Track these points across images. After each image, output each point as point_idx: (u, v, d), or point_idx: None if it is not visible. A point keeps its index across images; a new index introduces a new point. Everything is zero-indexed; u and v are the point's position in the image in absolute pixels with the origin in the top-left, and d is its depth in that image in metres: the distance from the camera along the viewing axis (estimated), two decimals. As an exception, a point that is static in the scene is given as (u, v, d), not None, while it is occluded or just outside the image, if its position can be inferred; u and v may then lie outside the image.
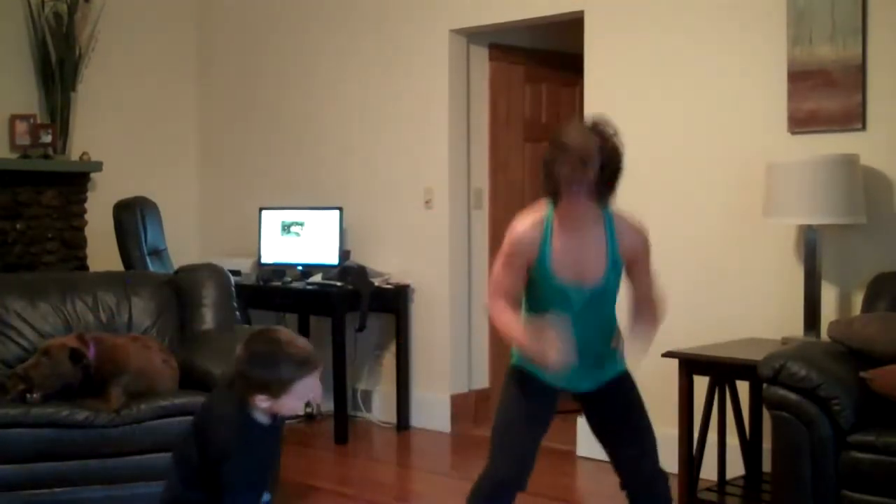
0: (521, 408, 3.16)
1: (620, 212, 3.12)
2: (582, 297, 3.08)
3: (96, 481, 3.80)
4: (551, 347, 2.90)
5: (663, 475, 3.24)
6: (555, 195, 2.99)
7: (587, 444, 5.09)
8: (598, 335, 3.15)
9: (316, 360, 2.82)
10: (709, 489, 4.28)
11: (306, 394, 2.77)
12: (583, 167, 2.91)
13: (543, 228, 3.05)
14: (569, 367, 2.95)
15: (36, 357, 3.92)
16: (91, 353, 3.96)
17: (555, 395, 3.19)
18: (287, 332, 2.82)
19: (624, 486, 3.23)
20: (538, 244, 3.04)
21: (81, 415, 3.78)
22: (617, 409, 3.22)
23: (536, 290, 3.10)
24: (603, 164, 2.95)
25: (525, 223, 3.08)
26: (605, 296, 3.12)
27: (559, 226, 3.05)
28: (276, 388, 2.67)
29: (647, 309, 3.21)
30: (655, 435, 3.25)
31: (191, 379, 4.12)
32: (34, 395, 3.82)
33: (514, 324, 3.05)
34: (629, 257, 3.12)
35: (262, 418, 2.72)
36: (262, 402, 2.67)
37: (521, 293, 3.13)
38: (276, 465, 2.67)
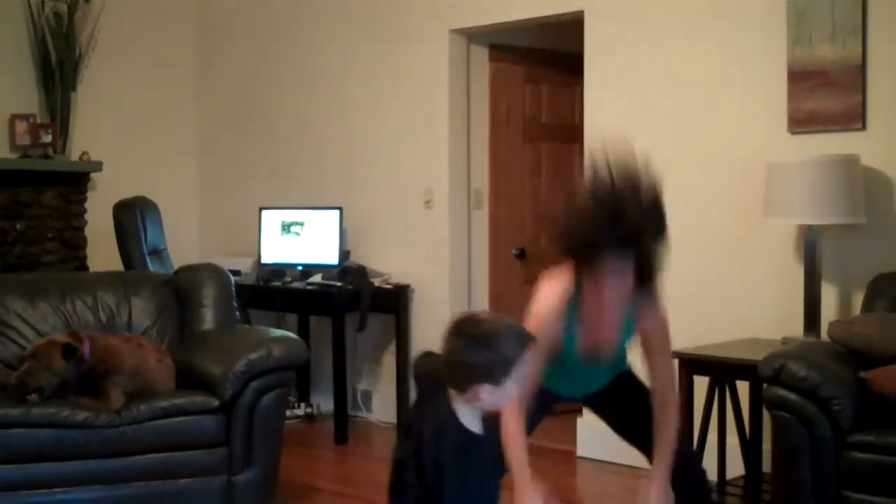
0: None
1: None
2: (599, 375, 3.08)
3: (96, 482, 3.80)
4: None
5: (695, 452, 3.21)
6: (581, 267, 2.73)
7: (587, 444, 5.10)
8: (609, 371, 3.14)
9: (528, 333, 2.45)
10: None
11: (523, 373, 2.38)
12: (636, 244, 2.63)
13: (569, 305, 2.84)
14: None
15: (27, 363, 3.91)
16: (86, 348, 3.96)
17: (555, 399, 3.16)
18: (485, 311, 2.59)
19: None
20: (563, 324, 2.86)
21: (81, 415, 3.78)
22: (629, 401, 3.18)
23: (555, 369, 2.94)
24: (654, 237, 2.65)
25: (553, 293, 2.83)
26: (618, 362, 3.10)
27: (586, 299, 2.83)
28: (500, 372, 2.32)
29: (666, 417, 3.03)
30: None
31: (191, 379, 4.12)
32: (32, 395, 3.82)
33: (523, 461, 2.85)
34: (643, 333, 2.99)
35: (475, 426, 2.39)
36: (484, 395, 2.34)
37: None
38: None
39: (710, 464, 4.28)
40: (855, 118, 4.28)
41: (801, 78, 4.41)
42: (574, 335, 2.92)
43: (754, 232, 4.53)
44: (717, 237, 4.70)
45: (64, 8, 6.21)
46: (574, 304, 2.86)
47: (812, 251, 4.17)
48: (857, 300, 4.17)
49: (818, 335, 4.09)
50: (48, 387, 3.87)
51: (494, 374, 2.32)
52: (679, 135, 4.83)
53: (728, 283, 4.66)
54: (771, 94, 4.50)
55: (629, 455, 4.90)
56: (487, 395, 2.34)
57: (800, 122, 4.43)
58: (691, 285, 4.76)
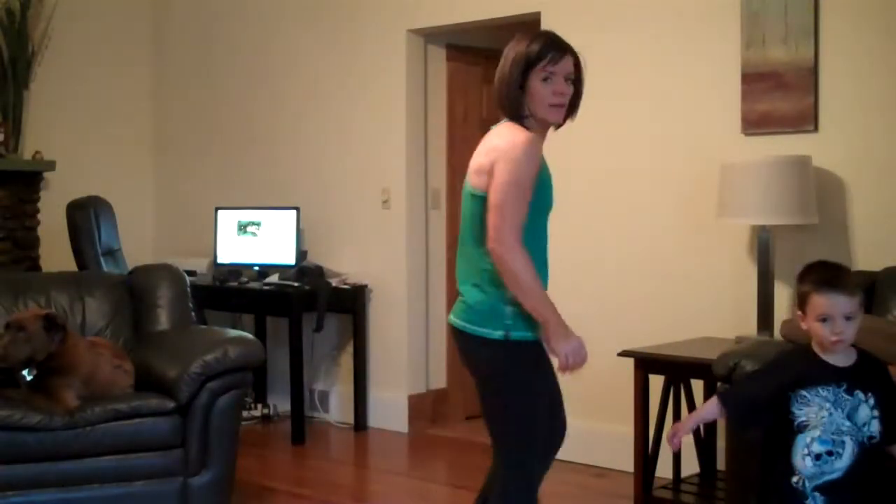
0: (549, 383, 2.96)
1: None
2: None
3: (50, 485, 3.75)
4: (579, 343, 2.80)
5: None
6: (523, 117, 2.89)
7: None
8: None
9: None
10: (664, 487, 4.32)
11: None
12: (569, 83, 2.90)
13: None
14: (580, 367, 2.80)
15: (8, 333, 3.85)
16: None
17: None
18: None
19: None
20: (545, 168, 2.90)
21: (35, 418, 3.73)
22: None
23: (544, 199, 2.91)
24: (579, 82, 2.94)
25: (535, 143, 2.86)
26: None
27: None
28: None
29: None
30: None
31: (146, 381, 4.08)
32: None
33: (548, 299, 2.80)
34: None
35: None
36: None
37: None
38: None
39: (665, 462, 4.33)
40: (807, 120, 4.34)
41: (754, 80, 4.46)
42: (549, 175, 2.91)
43: (708, 232, 4.58)
44: (671, 237, 4.74)
45: (16, 5, 6.12)
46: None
47: (765, 251, 4.22)
48: (810, 299, 4.21)
49: (771, 334, 4.14)
50: (18, 361, 3.84)
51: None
52: (633, 136, 4.87)
53: (682, 283, 4.70)
54: (725, 96, 4.55)
55: (587, 454, 4.96)
56: None
57: (753, 124, 4.48)
58: (646, 285, 4.80)
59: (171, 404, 3.91)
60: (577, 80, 2.94)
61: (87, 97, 6.63)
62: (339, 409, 6.04)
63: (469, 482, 3.43)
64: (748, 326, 4.32)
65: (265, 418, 6.10)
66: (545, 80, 2.88)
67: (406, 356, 5.81)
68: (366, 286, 5.89)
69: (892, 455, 2.76)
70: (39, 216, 6.27)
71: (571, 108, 2.95)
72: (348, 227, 6.00)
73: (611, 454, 4.84)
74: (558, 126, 2.98)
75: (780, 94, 4.39)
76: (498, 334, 2.83)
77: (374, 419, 5.89)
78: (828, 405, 2.66)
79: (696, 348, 4.21)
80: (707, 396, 4.32)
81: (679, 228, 4.72)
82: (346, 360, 5.99)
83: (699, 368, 3.94)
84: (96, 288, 4.60)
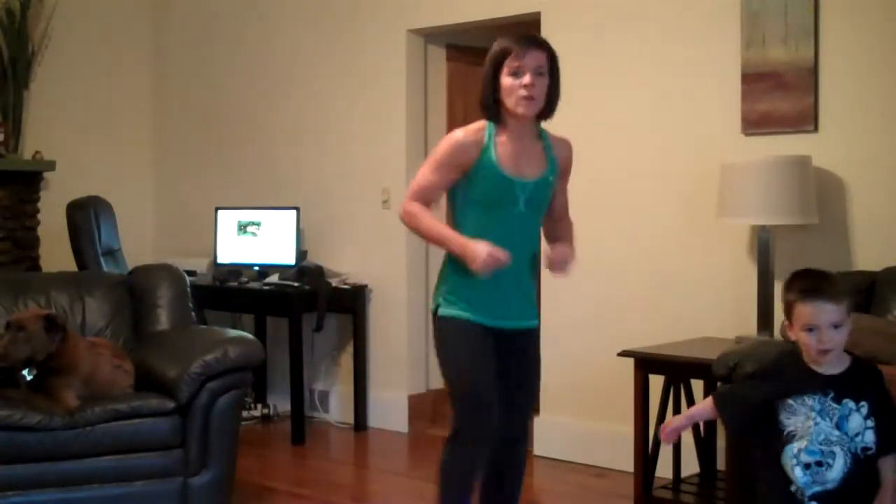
0: (472, 355, 3.16)
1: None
2: (526, 191, 3.16)
3: (50, 485, 3.75)
4: (482, 246, 3.00)
5: (525, 439, 3.34)
6: (496, 112, 3.13)
7: (543, 443, 5.13)
8: (527, 252, 3.23)
9: None
10: (664, 487, 4.32)
11: None
12: (540, 77, 3.08)
13: (486, 134, 3.16)
14: (501, 264, 3.00)
15: (9, 333, 3.85)
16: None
17: (491, 333, 3.19)
18: None
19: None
20: (480, 147, 3.13)
21: (35, 418, 3.73)
22: (512, 362, 3.25)
23: (479, 189, 3.14)
24: (555, 76, 3.15)
25: (465, 130, 3.19)
26: (544, 199, 3.23)
27: (500, 134, 3.17)
28: None
29: (565, 228, 3.38)
30: (532, 405, 3.38)
31: (146, 381, 4.08)
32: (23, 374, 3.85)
33: (445, 229, 3.15)
34: (562, 168, 3.30)
35: None
36: None
37: (438, 198, 3.24)
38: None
39: (665, 462, 4.33)
40: (807, 120, 4.34)
41: (754, 80, 4.46)
42: (492, 147, 3.13)
43: (708, 232, 4.58)
44: (671, 237, 4.74)
45: (16, 5, 6.12)
46: (490, 131, 3.16)
47: (765, 251, 4.22)
48: (810, 299, 4.21)
49: (771, 334, 4.14)
50: (18, 360, 3.84)
51: None
52: (633, 136, 4.87)
53: (682, 283, 4.70)
54: (725, 96, 4.55)
55: (587, 454, 4.96)
56: None
57: (753, 124, 4.48)
58: (646, 285, 4.80)
59: (171, 404, 3.91)
60: (551, 75, 3.14)
61: (87, 97, 6.63)
62: (339, 409, 6.04)
63: (469, 482, 3.45)
64: (748, 326, 4.32)
65: (265, 418, 6.10)
66: (514, 74, 3.09)
67: (406, 356, 5.81)
68: (366, 286, 5.89)
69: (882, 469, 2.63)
70: (39, 216, 6.27)
71: (550, 102, 3.16)
72: (348, 227, 6.00)
73: (611, 454, 4.84)
74: (540, 119, 3.19)
75: (780, 94, 4.39)
76: (433, 307, 3.25)
77: (374, 419, 5.89)
78: (814, 414, 2.60)
79: (696, 348, 4.21)
80: (707, 396, 4.32)
81: (679, 228, 4.72)
82: (346, 360, 5.99)
83: (699, 368, 3.94)
84: (96, 288, 4.60)
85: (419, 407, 5.85)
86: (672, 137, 4.75)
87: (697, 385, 4.31)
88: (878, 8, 4.22)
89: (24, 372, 3.87)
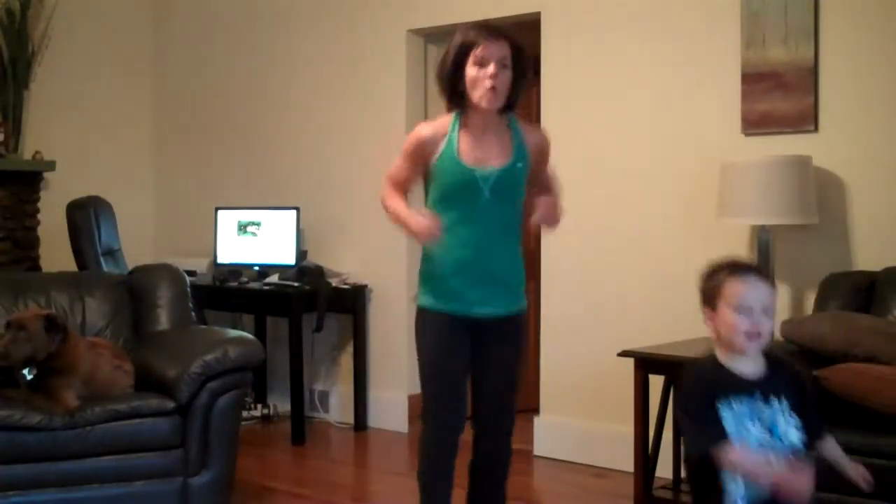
0: (438, 344, 3.25)
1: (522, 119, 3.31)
2: (489, 180, 3.16)
3: (50, 485, 3.75)
4: (420, 220, 3.09)
5: (509, 430, 3.38)
6: (461, 105, 3.16)
7: (544, 443, 5.13)
8: (500, 241, 3.23)
9: None
10: (664, 487, 4.32)
11: None
12: (504, 70, 3.09)
13: (449, 126, 3.20)
14: (435, 240, 3.10)
15: (9, 332, 3.85)
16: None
17: (463, 324, 3.24)
18: None
19: (473, 427, 3.38)
20: (443, 137, 3.18)
21: (35, 418, 3.73)
22: (492, 352, 3.27)
23: (442, 180, 3.19)
24: (519, 68, 3.14)
25: (429, 124, 3.28)
26: (512, 187, 3.21)
27: (465, 125, 3.19)
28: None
29: (548, 184, 3.36)
30: (514, 395, 3.39)
31: (146, 381, 4.08)
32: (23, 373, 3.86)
33: (401, 205, 3.23)
34: (534, 156, 3.26)
35: None
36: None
37: (411, 186, 3.31)
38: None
39: (665, 461, 4.33)
40: (807, 120, 4.34)
41: (754, 80, 4.46)
42: (454, 139, 3.17)
43: (708, 232, 4.58)
44: (671, 237, 4.74)
45: (16, 5, 6.12)
46: (454, 123, 3.20)
47: (765, 251, 4.22)
48: (810, 299, 4.22)
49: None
50: (19, 360, 3.84)
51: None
52: (634, 135, 4.87)
53: (682, 283, 4.68)
54: (725, 96, 4.55)
55: (587, 454, 4.96)
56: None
57: (753, 124, 4.48)
58: (646, 285, 4.80)
59: (171, 404, 3.91)
60: (516, 68, 3.13)
61: (87, 97, 6.63)
62: (339, 409, 6.04)
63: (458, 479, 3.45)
64: (748, 326, 4.31)
65: (265, 418, 6.10)
66: (479, 64, 3.10)
67: (406, 356, 5.81)
68: (366, 286, 5.89)
69: (822, 456, 2.49)
70: (39, 216, 6.27)
71: (513, 95, 3.16)
72: (348, 228, 6.00)
73: (611, 454, 4.84)
74: (504, 110, 3.19)
75: (780, 94, 4.40)
76: (414, 296, 3.35)
77: (374, 419, 5.89)
78: (744, 418, 2.37)
79: (696, 348, 4.20)
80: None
81: (679, 228, 4.72)
82: (346, 360, 5.99)
83: (699, 368, 3.93)
84: (96, 288, 4.60)
85: (419, 407, 5.82)
86: (672, 137, 4.75)
87: (697, 385, 4.30)
88: (878, 8, 4.22)
89: (25, 371, 3.87)
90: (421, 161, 3.24)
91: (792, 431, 2.40)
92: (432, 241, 3.11)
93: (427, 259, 3.30)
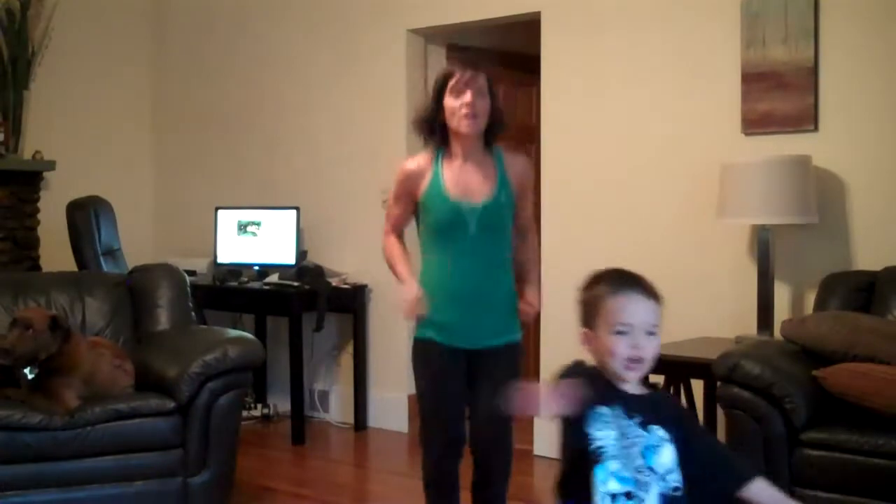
0: (431, 374, 3.34)
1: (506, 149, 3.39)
2: (475, 214, 3.23)
3: (50, 485, 3.75)
4: (407, 295, 3.23)
5: (508, 443, 3.41)
6: (443, 138, 3.27)
7: (544, 442, 5.12)
8: (490, 273, 3.29)
9: None
10: (664, 487, 4.31)
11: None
12: (482, 98, 3.20)
13: (433, 160, 3.31)
14: (415, 317, 3.24)
15: (14, 330, 3.86)
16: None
17: (456, 354, 3.30)
18: None
19: (471, 447, 3.39)
20: (428, 172, 3.29)
21: (35, 418, 3.73)
22: (488, 378, 3.28)
23: (430, 216, 3.29)
24: (494, 96, 3.25)
25: (414, 159, 3.38)
26: (499, 219, 3.29)
27: (448, 159, 3.30)
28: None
29: (526, 257, 3.46)
30: (509, 434, 3.42)
31: (146, 381, 4.08)
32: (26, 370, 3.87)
33: (401, 261, 3.38)
34: (518, 184, 3.34)
35: None
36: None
37: (406, 225, 3.44)
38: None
39: (665, 462, 4.32)
40: (807, 119, 4.34)
41: (754, 79, 4.46)
42: (439, 173, 3.27)
43: (708, 232, 4.58)
44: (671, 237, 4.74)
45: (16, 5, 6.12)
46: (438, 157, 3.30)
47: (765, 251, 4.21)
48: (810, 299, 4.22)
49: (771, 334, 4.14)
50: (24, 358, 3.85)
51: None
52: (634, 135, 4.87)
53: (682, 283, 4.70)
54: (725, 96, 4.55)
55: (586, 454, 4.94)
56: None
57: (753, 124, 4.48)
58: (647, 285, 4.80)
59: (171, 404, 3.91)
60: (492, 97, 3.25)
61: (87, 97, 6.62)
62: (339, 409, 6.04)
63: (469, 483, 3.46)
64: (748, 326, 4.32)
65: (265, 418, 6.10)
66: (455, 94, 3.21)
67: (406, 356, 5.77)
68: (366, 286, 5.89)
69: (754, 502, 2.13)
70: (39, 216, 6.27)
71: (494, 123, 3.26)
72: (348, 227, 6.00)
73: (611, 454, 4.83)
74: (488, 140, 3.28)
75: (780, 94, 4.39)
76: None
77: (374, 419, 5.89)
78: (623, 435, 2.07)
79: (697, 348, 4.21)
80: (707, 396, 4.32)
81: (679, 228, 4.72)
82: (346, 359, 5.99)
83: (699, 368, 3.94)
84: (96, 288, 4.60)
85: (419, 407, 5.83)
86: (672, 137, 4.74)
87: (697, 385, 4.30)
88: (878, 8, 4.22)
89: (26, 371, 3.87)
90: (410, 198, 3.35)
91: (677, 473, 2.07)
92: (412, 317, 3.26)
93: (424, 293, 3.32)
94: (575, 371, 2.21)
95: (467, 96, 3.19)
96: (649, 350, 2.12)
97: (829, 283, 4.08)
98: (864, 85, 4.24)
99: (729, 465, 2.20)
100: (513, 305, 3.37)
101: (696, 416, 2.17)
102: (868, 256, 4.19)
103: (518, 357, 3.41)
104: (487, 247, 3.28)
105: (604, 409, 2.07)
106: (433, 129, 3.29)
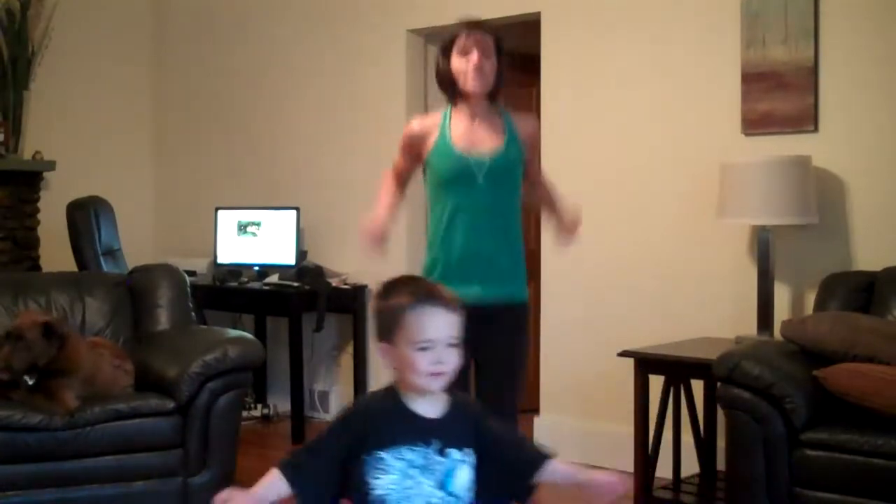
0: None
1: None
2: (483, 168, 3.23)
3: (50, 485, 3.75)
4: (370, 224, 3.30)
5: (514, 418, 3.37)
6: (451, 95, 3.31)
7: (544, 443, 5.11)
8: (497, 229, 3.27)
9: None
10: (664, 487, 4.32)
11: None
12: (489, 58, 3.24)
13: (441, 117, 3.34)
14: (378, 246, 3.30)
15: (8, 343, 3.83)
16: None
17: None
18: None
19: None
20: (436, 129, 3.32)
21: (35, 418, 3.73)
22: (493, 342, 3.25)
23: (436, 169, 3.31)
24: (500, 54, 3.29)
25: (419, 119, 3.46)
26: (507, 172, 3.29)
27: (457, 115, 3.33)
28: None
29: (547, 192, 3.47)
30: (518, 386, 3.39)
31: (146, 381, 4.08)
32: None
33: (384, 194, 3.44)
34: (527, 140, 3.37)
35: None
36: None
37: (408, 176, 3.48)
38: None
39: (665, 462, 4.33)
40: (807, 120, 4.34)
41: (754, 80, 4.46)
42: (447, 129, 3.30)
43: (708, 232, 4.58)
44: (671, 237, 4.74)
45: (16, 5, 6.12)
46: (446, 114, 3.34)
47: (765, 251, 4.21)
48: (810, 299, 4.22)
49: (771, 334, 4.14)
50: (22, 368, 3.83)
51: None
52: (634, 135, 4.87)
53: (682, 283, 4.70)
54: (725, 96, 4.55)
55: (587, 454, 4.95)
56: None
57: (753, 124, 4.48)
58: (646, 285, 4.80)
59: (171, 404, 3.91)
60: (498, 55, 3.29)
61: (87, 97, 6.62)
62: (338, 408, 6.02)
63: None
64: (748, 326, 4.32)
65: (265, 418, 6.10)
66: (462, 54, 3.25)
67: (406, 356, 5.80)
68: (366, 286, 5.89)
69: (552, 481, 2.22)
70: (39, 216, 6.27)
71: (498, 83, 3.29)
72: (348, 228, 5.98)
73: (611, 454, 4.83)
74: (493, 99, 3.31)
75: (780, 94, 4.39)
76: None
77: (374, 419, 5.88)
78: (415, 472, 2.05)
79: (696, 348, 4.21)
80: (707, 396, 4.32)
81: (679, 228, 4.72)
82: (346, 360, 5.98)
83: (699, 368, 3.94)
84: (96, 288, 4.60)
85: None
86: (672, 137, 4.75)
87: (697, 385, 4.31)
88: (878, 8, 4.22)
89: (26, 377, 3.86)
90: (414, 155, 3.39)
91: (466, 485, 2.10)
92: (369, 246, 3.31)
93: (428, 248, 3.37)
94: (363, 410, 2.19)
95: (474, 55, 3.23)
96: (452, 362, 2.08)
97: (828, 283, 4.08)
98: (864, 85, 4.24)
99: (524, 455, 2.22)
100: (520, 267, 3.34)
101: (489, 412, 2.18)
102: (868, 257, 4.19)
103: (524, 320, 3.38)
104: (495, 202, 3.27)
105: (383, 454, 2.05)
106: (445, 87, 3.35)
